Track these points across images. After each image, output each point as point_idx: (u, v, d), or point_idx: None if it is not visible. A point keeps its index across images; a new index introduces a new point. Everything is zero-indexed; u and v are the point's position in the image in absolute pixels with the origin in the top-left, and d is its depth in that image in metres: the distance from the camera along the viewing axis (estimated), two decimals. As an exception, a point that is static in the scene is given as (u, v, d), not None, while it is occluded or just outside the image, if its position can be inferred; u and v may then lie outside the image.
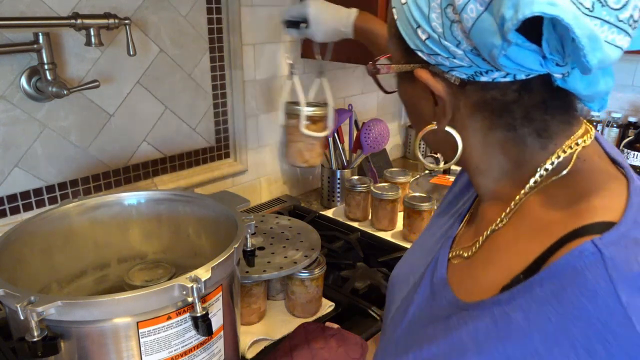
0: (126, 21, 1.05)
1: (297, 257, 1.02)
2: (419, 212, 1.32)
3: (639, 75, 1.90)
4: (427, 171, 1.87)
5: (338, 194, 1.59)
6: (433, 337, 0.49)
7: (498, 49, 0.39)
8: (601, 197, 0.43)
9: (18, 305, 0.56)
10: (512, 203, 0.49)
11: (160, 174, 1.32)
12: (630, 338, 0.36)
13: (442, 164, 1.89)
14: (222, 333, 0.73)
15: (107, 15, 1.03)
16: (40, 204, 1.11)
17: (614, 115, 1.92)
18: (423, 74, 0.46)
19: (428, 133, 0.51)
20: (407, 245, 1.31)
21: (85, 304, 0.59)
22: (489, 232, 0.52)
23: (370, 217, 1.48)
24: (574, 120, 0.48)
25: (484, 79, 0.44)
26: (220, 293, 0.71)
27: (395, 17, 0.47)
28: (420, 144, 2.04)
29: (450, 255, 0.57)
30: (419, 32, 0.44)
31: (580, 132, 0.48)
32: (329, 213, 1.52)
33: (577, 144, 0.47)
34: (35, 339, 0.57)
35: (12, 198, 1.07)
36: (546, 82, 0.44)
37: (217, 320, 0.71)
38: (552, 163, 0.47)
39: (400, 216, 1.43)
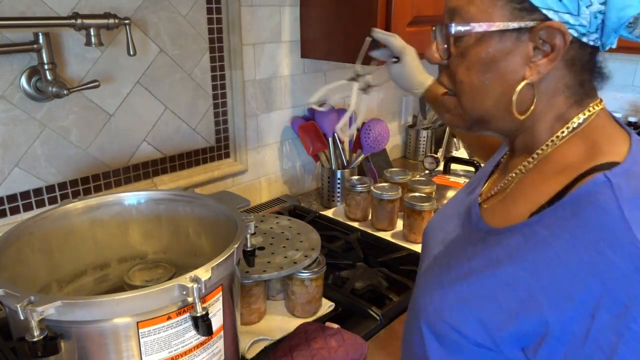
0: (126, 21, 1.05)
1: (297, 257, 1.02)
2: (419, 212, 1.32)
3: (639, 76, 1.90)
4: (427, 171, 1.87)
5: (338, 194, 1.59)
6: (472, 255, 0.61)
7: (635, 7, 0.51)
8: (609, 145, 0.56)
9: (18, 305, 0.56)
10: (539, 151, 0.61)
11: (160, 174, 1.32)
12: (630, 241, 0.48)
13: (441, 164, 1.89)
14: (222, 333, 0.73)
15: (107, 15, 1.03)
16: (40, 204, 1.11)
17: (614, 115, 1.92)
18: (561, 26, 0.53)
19: (496, 89, 0.58)
20: (407, 245, 1.31)
21: (85, 304, 0.59)
22: (514, 176, 0.64)
23: (370, 217, 1.48)
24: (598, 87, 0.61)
25: (584, 39, 0.55)
26: (220, 293, 0.71)
27: None
28: (420, 146, 2.04)
29: (480, 201, 0.69)
30: None
31: (597, 97, 0.61)
32: (329, 213, 1.52)
33: (598, 106, 0.60)
34: (35, 339, 0.57)
35: (12, 198, 1.07)
36: (596, 53, 0.57)
37: (217, 320, 0.71)
38: (579, 118, 0.59)
39: (400, 216, 1.43)
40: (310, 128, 1.55)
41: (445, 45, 0.60)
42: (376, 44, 1.01)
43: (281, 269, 0.97)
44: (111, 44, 1.13)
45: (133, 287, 0.80)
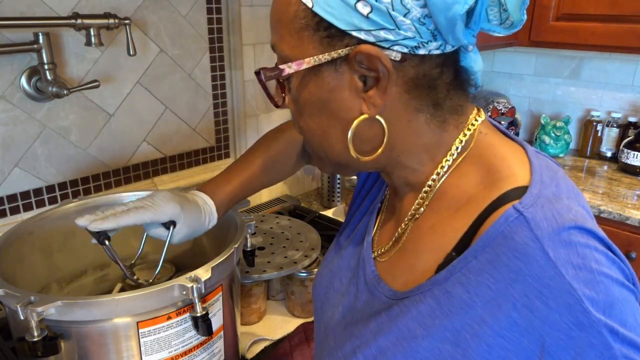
0: (126, 21, 1.05)
1: (297, 257, 1.02)
2: (419, 212, 1.32)
3: (639, 75, 1.90)
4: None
5: (338, 194, 1.59)
6: (377, 331, 0.50)
7: (461, 4, 0.41)
8: (508, 166, 0.47)
9: (18, 305, 0.56)
10: (425, 188, 0.51)
11: (160, 174, 1.32)
12: (563, 287, 0.40)
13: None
14: (222, 333, 0.73)
15: (107, 15, 1.03)
16: (40, 204, 1.11)
17: (614, 115, 1.92)
18: (371, 49, 0.44)
19: (337, 132, 0.49)
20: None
21: (85, 304, 0.59)
22: (407, 222, 0.53)
23: (370, 217, 1.47)
24: (469, 98, 0.51)
25: (421, 51, 0.44)
26: (220, 293, 0.71)
27: (310, 5, 0.44)
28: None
29: (374, 255, 0.58)
30: (360, 6, 0.43)
31: (474, 110, 0.52)
32: (329, 213, 1.52)
33: (476, 120, 0.51)
34: (35, 339, 0.57)
35: (12, 198, 1.07)
36: (456, 60, 0.48)
37: (217, 320, 0.71)
38: (461, 141, 0.49)
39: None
40: (310, 128, 1.55)
41: (282, 90, 0.52)
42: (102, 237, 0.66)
43: (281, 269, 0.97)
44: (111, 44, 1.13)
45: (133, 287, 0.80)
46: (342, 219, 1.46)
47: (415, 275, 0.50)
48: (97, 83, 1.05)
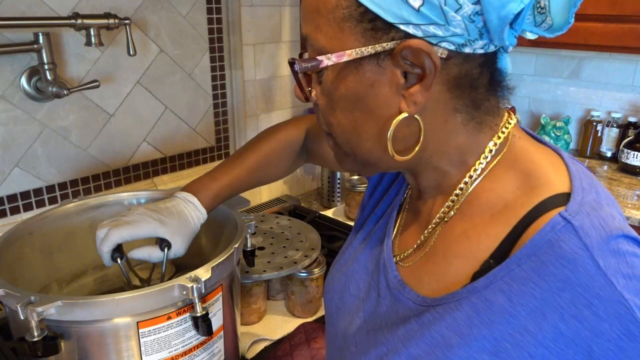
0: (126, 21, 1.05)
1: (297, 257, 1.02)
2: (419, 212, 1.32)
3: (639, 75, 1.90)
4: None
5: (338, 194, 1.59)
6: (407, 338, 0.48)
7: (517, 2, 0.39)
8: (545, 172, 0.46)
9: (18, 305, 0.56)
10: (457, 191, 0.49)
11: (160, 174, 1.32)
12: (614, 297, 0.39)
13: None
14: (222, 333, 0.73)
15: (107, 15, 1.03)
16: (40, 204, 1.11)
17: (614, 115, 1.92)
18: (422, 44, 0.41)
19: (370, 129, 0.47)
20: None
21: (85, 304, 0.59)
22: (434, 225, 0.51)
23: (370, 217, 1.47)
24: (501, 101, 0.49)
25: (467, 50, 0.43)
26: (220, 293, 0.71)
27: None
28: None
29: (396, 259, 0.56)
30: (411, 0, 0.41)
31: (505, 112, 0.50)
32: (329, 213, 1.52)
33: (509, 123, 0.49)
34: (35, 339, 0.57)
35: (12, 198, 1.07)
36: (494, 61, 0.46)
37: (217, 320, 0.71)
38: (495, 144, 0.48)
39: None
40: (310, 128, 1.55)
41: (307, 82, 0.49)
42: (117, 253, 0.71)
43: (281, 269, 0.97)
44: (111, 44, 1.13)
45: (133, 287, 0.80)
46: (342, 219, 1.46)
47: (446, 282, 0.48)
48: (97, 83, 1.05)
